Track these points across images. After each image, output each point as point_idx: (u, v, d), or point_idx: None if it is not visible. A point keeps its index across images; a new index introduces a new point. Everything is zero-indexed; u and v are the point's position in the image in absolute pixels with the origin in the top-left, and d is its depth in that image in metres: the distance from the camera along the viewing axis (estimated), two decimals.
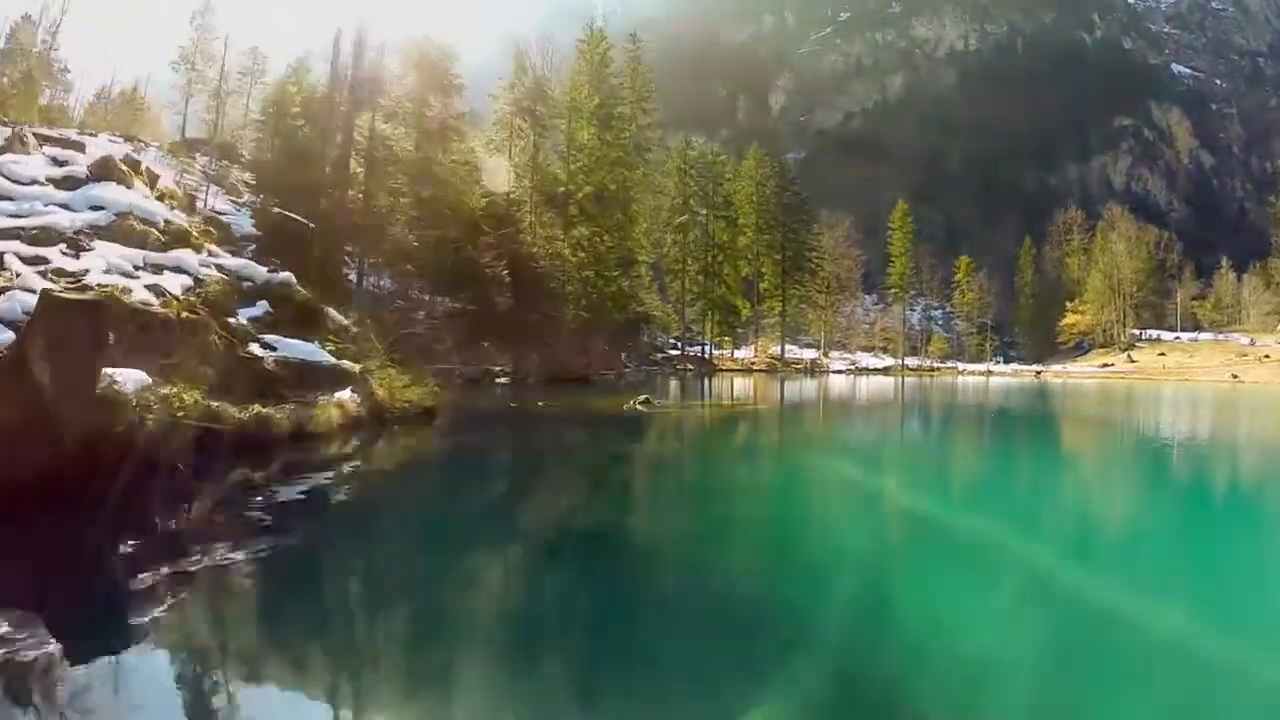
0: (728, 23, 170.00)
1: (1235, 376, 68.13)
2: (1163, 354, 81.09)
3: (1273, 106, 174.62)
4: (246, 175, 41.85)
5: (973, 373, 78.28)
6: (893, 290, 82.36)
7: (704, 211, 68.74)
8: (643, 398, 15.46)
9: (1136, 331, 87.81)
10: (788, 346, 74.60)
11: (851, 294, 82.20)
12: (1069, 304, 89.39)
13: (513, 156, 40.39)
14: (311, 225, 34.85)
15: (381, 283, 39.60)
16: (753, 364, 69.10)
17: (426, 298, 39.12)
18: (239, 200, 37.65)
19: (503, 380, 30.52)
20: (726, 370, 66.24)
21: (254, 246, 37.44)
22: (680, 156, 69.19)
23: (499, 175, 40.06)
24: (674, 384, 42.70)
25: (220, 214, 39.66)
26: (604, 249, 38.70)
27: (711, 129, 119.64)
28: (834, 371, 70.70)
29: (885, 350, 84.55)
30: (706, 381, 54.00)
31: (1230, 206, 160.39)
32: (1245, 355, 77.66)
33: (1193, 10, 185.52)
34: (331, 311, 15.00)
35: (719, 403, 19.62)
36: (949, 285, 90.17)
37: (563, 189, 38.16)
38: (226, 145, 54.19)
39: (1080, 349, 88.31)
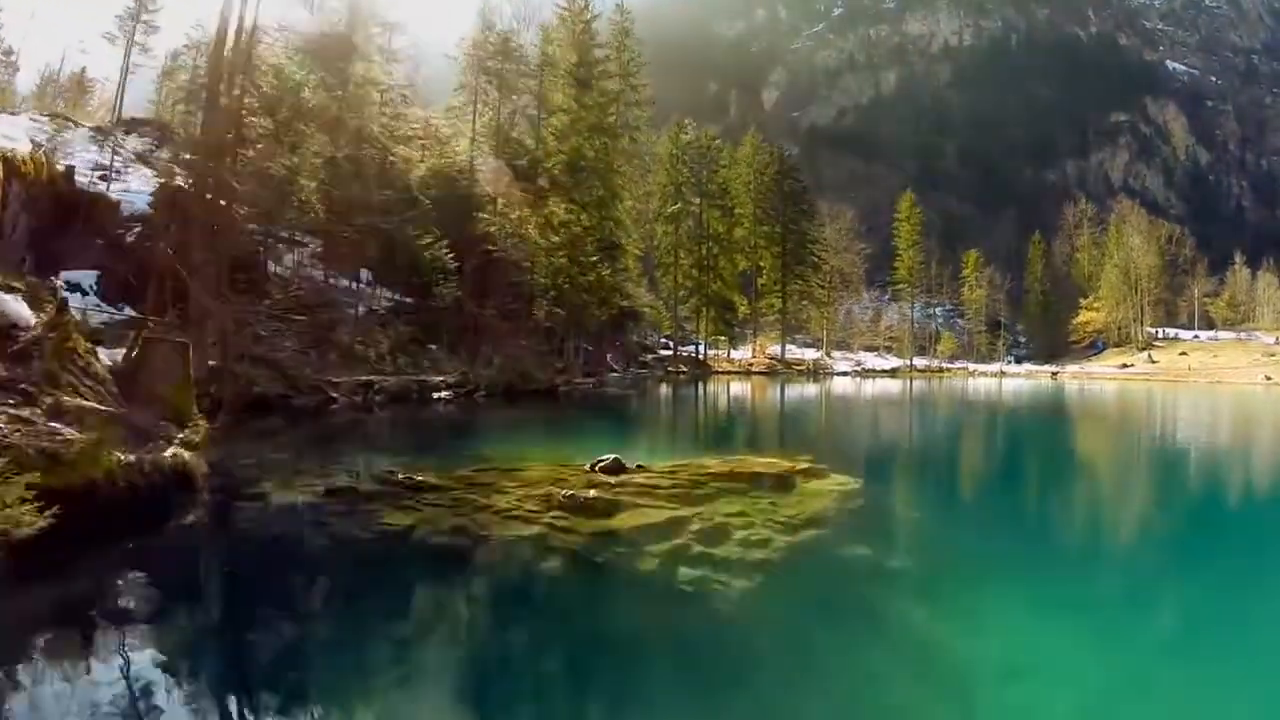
0: (720, 17, 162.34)
1: (1269, 379, 61.25)
2: (1184, 353, 74.00)
3: (1267, 104, 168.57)
4: (184, 154, 34.67)
5: (984, 374, 71.00)
6: (900, 286, 74.62)
7: (698, 201, 61.19)
8: (607, 460, 7.95)
9: (1153, 330, 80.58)
10: (787, 346, 67.12)
11: (855, 289, 74.60)
12: (1082, 301, 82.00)
13: (475, 126, 32.70)
14: (208, 197, 27.09)
15: (315, 270, 32.04)
16: (751, 365, 61.64)
17: (359, 287, 31.52)
18: (168, 180, 30.40)
19: (444, 394, 22.91)
20: (723, 373, 58.76)
21: (139, 227, 30.07)
22: (672, 141, 61.69)
23: (460, 144, 32.45)
24: (664, 393, 35.19)
25: (123, 193, 32.69)
26: (580, 229, 30.83)
27: (703, 124, 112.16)
28: (838, 373, 63.32)
29: (890, 350, 76.96)
30: (700, 388, 46.44)
31: (1227, 203, 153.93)
32: (1273, 355, 70.68)
33: (1186, 7, 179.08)
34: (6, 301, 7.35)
35: (725, 464, 12.19)
36: (954, 281, 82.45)
37: (530, 157, 30.19)
38: (162, 123, 46.70)
39: (1094, 348, 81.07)
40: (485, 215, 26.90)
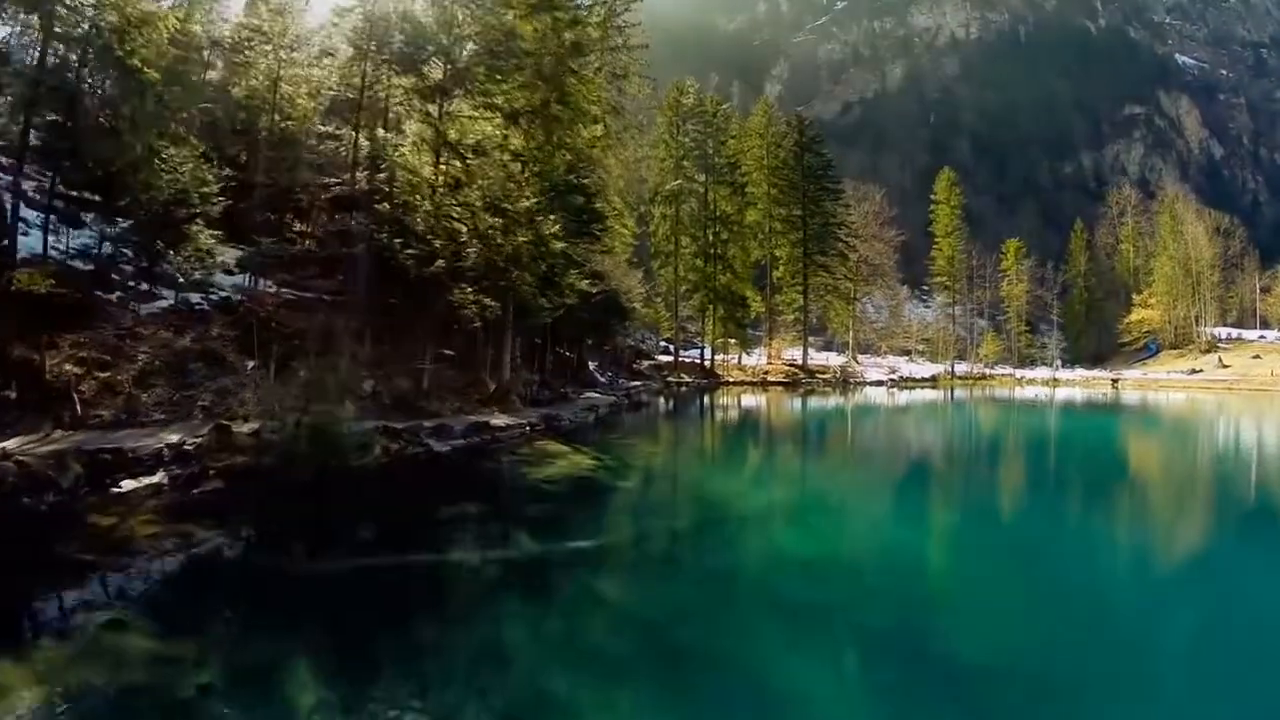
0: (721, 10, 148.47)
1: None
2: (1257, 356, 60.25)
3: (1278, 98, 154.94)
4: None
5: (1034, 381, 57.49)
6: (939, 278, 60.39)
7: (702, 177, 47.78)
8: None
9: (1214, 331, 66.75)
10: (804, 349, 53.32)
11: (886, 283, 60.52)
12: (1136, 297, 68.04)
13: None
14: None
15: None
16: (766, 374, 48.09)
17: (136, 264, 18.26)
18: None
19: (146, 482, 9.52)
20: (734, 383, 45.40)
21: None
22: (672, 106, 48.28)
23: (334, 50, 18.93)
24: (651, 442, 21.82)
25: None
26: (508, 158, 16.87)
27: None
28: (870, 383, 49.79)
29: (922, 353, 62.91)
30: (706, 405, 33.14)
31: (1243, 198, 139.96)
32: None
33: (1194, 1, 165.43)
34: None
35: None
36: (992, 275, 68.18)
37: (417, 38, 15.83)
38: None
39: (1146, 350, 67.26)
40: (326, 129, 13.34)
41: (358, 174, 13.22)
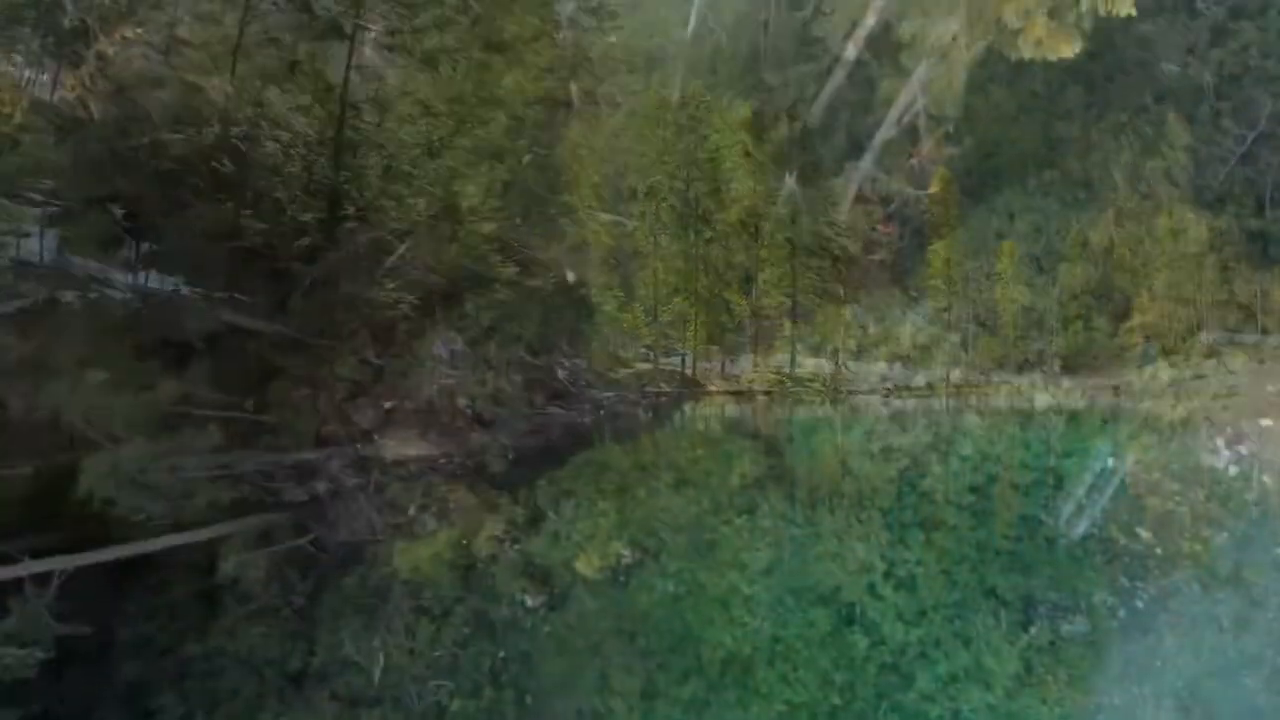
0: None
1: None
2: (1262, 361, 57.65)
3: (1263, 105, 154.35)
4: None
5: (1032, 388, 54.49)
6: (934, 281, 56.86)
7: (683, 172, 44.39)
8: None
9: (1214, 335, 64.01)
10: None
11: (879, 287, 56.97)
12: (1133, 301, 65.21)
13: None
14: None
15: None
16: (752, 382, 44.65)
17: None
18: None
19: None
20: (716, 393, 42.07)
21: None
22: (652, 99, 45.06)
23: None
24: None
25: None
26: (419, 113, 12.32)
27: None
28: (863, 392, 46.55)
29: (915, 360, 59.34)
30: (686, 420, 29.79)
31: (1229, 205, 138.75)
32: None
33: (1177, 9, 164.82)
34: None
35: None
36: (986, 282, 64.83)
37: None
38: None
39: (1145, 356, 64.36)
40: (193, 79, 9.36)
41: (205, 130, 9.78)
